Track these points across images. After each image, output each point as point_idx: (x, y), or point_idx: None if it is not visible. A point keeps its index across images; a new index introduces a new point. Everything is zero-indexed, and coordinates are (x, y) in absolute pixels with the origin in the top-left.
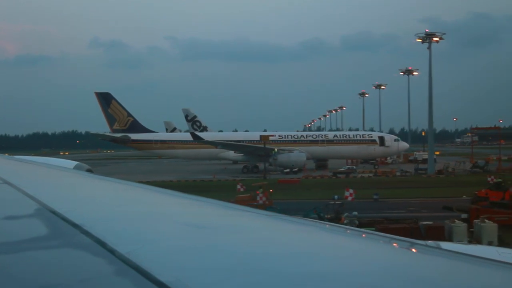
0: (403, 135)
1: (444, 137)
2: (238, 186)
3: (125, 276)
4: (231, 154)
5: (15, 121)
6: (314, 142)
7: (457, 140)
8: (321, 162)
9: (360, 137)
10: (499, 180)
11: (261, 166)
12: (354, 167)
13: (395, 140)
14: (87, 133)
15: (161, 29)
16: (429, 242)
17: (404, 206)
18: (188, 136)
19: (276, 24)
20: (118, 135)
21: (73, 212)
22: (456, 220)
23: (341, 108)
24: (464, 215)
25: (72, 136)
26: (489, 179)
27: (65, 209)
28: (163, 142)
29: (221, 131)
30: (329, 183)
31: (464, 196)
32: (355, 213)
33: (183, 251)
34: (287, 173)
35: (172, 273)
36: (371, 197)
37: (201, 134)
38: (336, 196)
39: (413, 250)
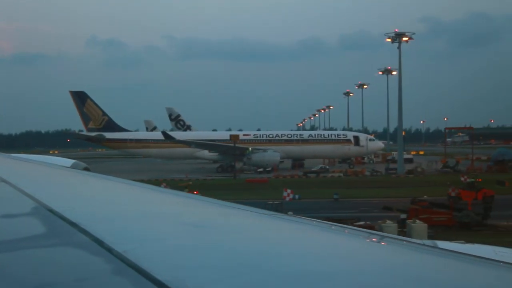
0: (394, 134)
1: (438, 136)
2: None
3: (123, 275)
4: (206, 153)
5: (12, 119)
6: (289, 141)
7: (448, 140)
8: (297, 162)
9: (335, 136)
10: (472, 180)
11: (237, 165)
12: (327, 167)
13: (370, 139)
14: (63, 131)
15: (158, 28)
16: (426, 241)
17: (360, 205)
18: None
19: (273, 22)
20: (93, 134)
21: (71, 210)
22: (387, 220)
23: (328, 107)
24: (403, 215)
25: (65, 135)
26: (462, 179)
27: (62, 208)
28: (137, 141)
29: (215, 130)
30: (298, 182)
31: (425, 196)
32: (290, 213)
33: (181, 250)
34: (260, 172)
35: (170, 272)
36: (332, 197)
37: (173, 134)
38: (297, 196)
39: (410, 249)
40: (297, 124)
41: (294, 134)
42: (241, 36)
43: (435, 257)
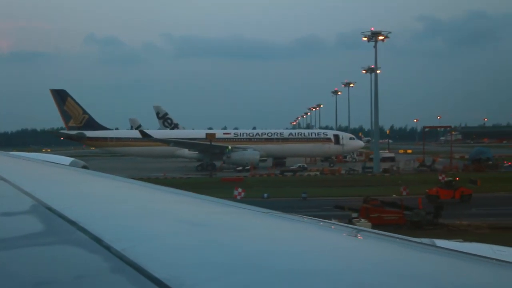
0: (392, 132)
1: (434, 135)
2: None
3: (121, 273)
4: (186, 152)
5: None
6: (269, 140)
7: (441, 138)
8: (279, 160)
9: (315, 135)
10: (450, 178)
11: (218, 164)
12: (305, 165)
13: (350, 138)
14: (42, 130)
15: (156, 26)
16: (424, 240)
17: (326, 204)
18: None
19: (271, 21)
20: (73, 132)
21: (69, 208)
22: (332, 219)
23: (318, 106)
24: (354, 214)
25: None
26: (440, 177)
27: (61, 206)
28: (118, 139)
29: (210, 128)
30: (273, 181)
31: (394, 195)
32: None
33: (179, 248)
34: (239, 171)
35: (168, 270)
36: (301, 196)
37: (151, 132)
38: (265, 195)
39: (408, 247)
40: (291, 123)
41: (274, 133)
42: (238, 34)
43: (433, 256)
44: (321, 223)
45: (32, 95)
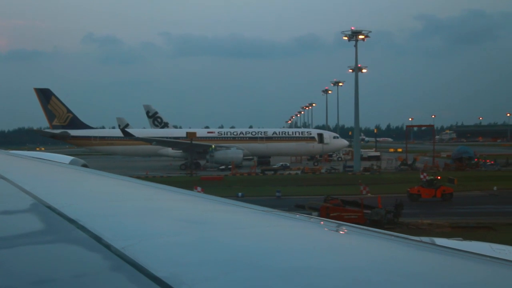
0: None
1: (427, 134)
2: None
3: (121, 271)
4: (170, 151)
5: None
6: (253, 139)
7: (436, 137)
8: (263, 159)
9: (299, 134)
10: (431, 177)
11: (202, 162)
12: (288, 164)
13: (334, 137)
14: (28, 129)
15: (155, 25)
16: (424, 238)
17: (299, 203)
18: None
19: (269, 20)
20: (58, 131)
21: (69, 207)
22: None
23: (311, 105)
24: (314, 213)
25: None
26: (421, 176)
27: (61, 204)
28: (102, 138)
29: (207, 127)
30: (253, 180)
31: (369, 195)
32: None
33: (179, 246)
34: (223, 169)
35: (167, 268)
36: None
37: (133, 131)
38: (240, 194)
39: (409, 246)
40: (286, 121)
41: (258, 132)
42: (235, 32)
43: (433, 254)
44: (321, 222)
45: (30, 94)
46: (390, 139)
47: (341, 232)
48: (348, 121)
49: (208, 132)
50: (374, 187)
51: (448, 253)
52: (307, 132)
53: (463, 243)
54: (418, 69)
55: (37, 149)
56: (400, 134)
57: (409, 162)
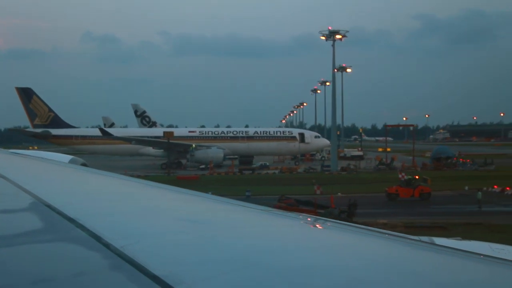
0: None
1: (422, 133)
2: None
3: (120, 270)
4: (151, 150)
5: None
6: (234, 138)
7: (430, 137)
8: (245, 159)
9: (280, 133)
10: (409, 177)
11: (184, 162)
12: (267, 164)
13: (315, 136)
14: (5, 129)
15: (154, 24)
16: (423, 238)
17: (265, 203)
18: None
19: (268, 19)
20: (39, 130)
21: (69, 206)
22: None
23: (302, 104)
24: None
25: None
26: (399, 176)
27: (60, 203)
28: (83, 137)
29: (203, 126)
30: (230, 179)
31: (339, 194)
32: None
33: (178, 246)
34: (203, 169)
35: (166, 267)
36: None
37: (112, 130)
38: (210, 192)
39: (408, 245)
40: (281, 121)
41: (239, 131)
42: (233, 32)
43: (432, 253)
44: (321, 221)
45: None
46: (390, 138)
47: (341, 231)
48: (344, 120)
49: (190, 132)
50: (350, 187)
51: (447, 252)
52: (288, 132)
53: (462, 242)
54: (416, 68)
55: (30, 148)
56: (397, 133)
57: (388, 161)
